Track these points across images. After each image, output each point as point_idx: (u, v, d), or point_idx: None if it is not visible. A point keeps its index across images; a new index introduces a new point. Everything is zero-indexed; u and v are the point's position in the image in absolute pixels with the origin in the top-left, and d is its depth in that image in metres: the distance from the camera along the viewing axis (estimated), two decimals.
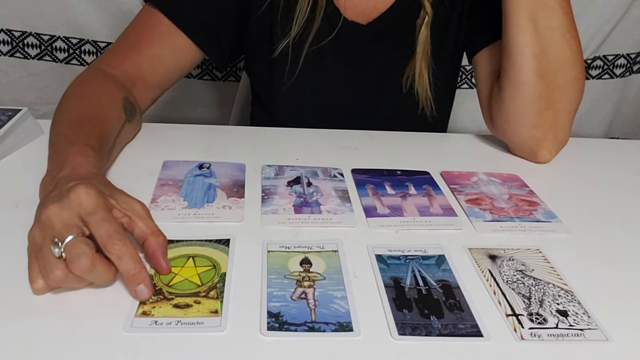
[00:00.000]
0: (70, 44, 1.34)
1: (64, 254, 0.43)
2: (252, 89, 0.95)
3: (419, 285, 0.49)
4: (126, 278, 0.45)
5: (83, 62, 1.36)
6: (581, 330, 0.45)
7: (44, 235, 0.45)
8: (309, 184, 0.65)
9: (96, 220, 0.45)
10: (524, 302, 0.48)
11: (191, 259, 0.50)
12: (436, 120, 0.86)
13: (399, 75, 0.83)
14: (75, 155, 0.54)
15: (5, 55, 1.34)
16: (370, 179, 0.68)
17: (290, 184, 0.65)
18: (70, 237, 0.43)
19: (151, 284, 0.45)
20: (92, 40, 1.34)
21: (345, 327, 0.44)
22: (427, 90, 0.82)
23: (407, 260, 0.52)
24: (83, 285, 0.45)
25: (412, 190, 0.66)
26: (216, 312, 0.44)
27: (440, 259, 0.53)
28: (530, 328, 0.45)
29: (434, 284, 0.49)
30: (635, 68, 1.53)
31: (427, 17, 0.79)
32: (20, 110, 0.70)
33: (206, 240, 0.53)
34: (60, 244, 0.43)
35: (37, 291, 0.44)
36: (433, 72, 0.82)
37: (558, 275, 0.52)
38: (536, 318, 0.46)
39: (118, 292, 0.46)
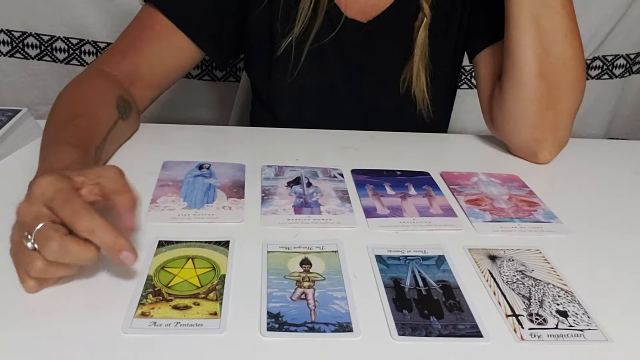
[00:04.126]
0: (70, 44, 1.34)
1: (36, 245, 0.43)
2: (252, 88, 0.95)
3: (419, 286, 0.49)
4: (106, 249, 0.43)
5: (83, 62, 1.36)
6: (581, 330, 0.45)
7: (20, 233, 0.44)
8: (309, 185, 0.65)
9: (59, 202, 0.43)
10: (524, 302, 0.48)
11: (190, 260, 0.50)
12: (435, 121, 0.86)
13: (397, 76, 0.83)
14: (54, 154, 0.54)
15: (5, 55, 1.34)
16: (370, 179, 0.68)
17: (290, 184, 0.65)
18: (38, 227, 0.43)
19: (133, 248, 0.43)
20: (92, 41, 1.34)
21: (345, 327, 0.43)
22: (425, 93, 0.82)
23: (407, 261, 0.52)
24: (71, 271, 0.45)
25: (412, 191, 0.66)
26: (215, 314, 0.44)
27: (440, 260, 0.53)
28: (530, 328, 0.45)
29: (434, 284, 0.49)
30: (634, 68, 1.53)
31: (425, 19, 0.79)
32: (20, 110, 0.70)
33: (206, 242, 0.53)
34: (29, 235, 0.43)
35: (30, 289, 0.44)
36: (431, 74, 0.82)
37: (558, 275, 0.52)
38: (536, 318, 0.46)
39: (117, 293, 0.46)
